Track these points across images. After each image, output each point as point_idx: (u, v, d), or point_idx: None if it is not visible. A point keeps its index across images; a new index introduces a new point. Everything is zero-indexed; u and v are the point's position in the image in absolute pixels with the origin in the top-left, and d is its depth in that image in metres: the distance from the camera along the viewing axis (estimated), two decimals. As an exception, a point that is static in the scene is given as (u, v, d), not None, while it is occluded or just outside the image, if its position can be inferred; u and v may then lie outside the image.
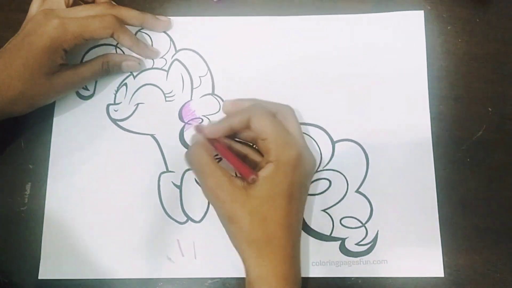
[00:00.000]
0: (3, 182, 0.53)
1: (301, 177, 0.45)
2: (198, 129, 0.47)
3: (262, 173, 0.44)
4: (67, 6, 0.52)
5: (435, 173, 0.52)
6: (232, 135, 0.48)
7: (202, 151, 0.45)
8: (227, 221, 0.44)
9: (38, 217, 0.52)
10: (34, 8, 0.53)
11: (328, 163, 0.53)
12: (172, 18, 0.56)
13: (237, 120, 0.46)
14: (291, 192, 0.44)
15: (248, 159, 0.49)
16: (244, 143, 0.50)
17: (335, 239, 0.51)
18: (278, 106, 0.48)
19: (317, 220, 0.51)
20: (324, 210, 0.51)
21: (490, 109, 0.54)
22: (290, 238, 0.44)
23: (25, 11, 0.53)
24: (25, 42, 0.48)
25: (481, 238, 0.51)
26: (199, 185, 0.52)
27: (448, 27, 0.56)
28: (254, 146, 0.50)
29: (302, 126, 0.53)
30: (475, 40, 0.55)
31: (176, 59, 0.55)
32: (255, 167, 0.47)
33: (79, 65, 0.52)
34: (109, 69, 0.53)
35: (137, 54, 0.55)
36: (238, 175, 0.48)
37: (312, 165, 0.47)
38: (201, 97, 0.55)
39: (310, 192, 0.51)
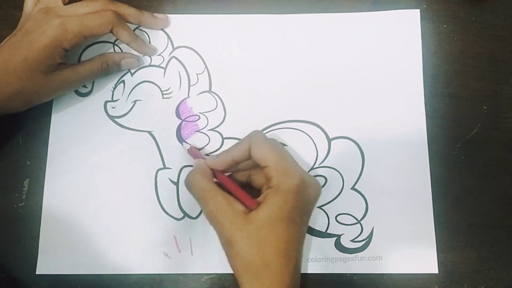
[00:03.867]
0: (1, 179, 0.54)
1: (303, 203, 0.45)
2: (194, 154, 0.50)
3: (263, 200, 0.44)
4: (64, 3, 0.52)
5: (430, 171, 0.52)
6: (234, 166, 0.48)
7: (202, 176, 0.46)
8: (226, 244, 0.43)
9: (35, 213, 0.52)
10: (29, 5, 0.53)
11: (324, 160, 0.53)
12: (169, 15, 0.56)
13: (238, 152, 0.46)
14: (291, 218, 0.43)
15: (249, 186, 0.49)
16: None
17: (330, 235, 0.51)
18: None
19: (312, 217, 0.50)
20: (319, 207, 0.52)
21: (485, 107, 0.54)
22: (288, 264, 0.43)
23: (22, 8, 0.53)
24: (24, 40, 0.48)
25: (476, 235, 0.51)
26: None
27: (444, 26, 0.56)
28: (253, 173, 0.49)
29: (299, 123, 0.54)
30: (471, 38, 0.56)
31: (174, 57, 0.56)
32: (257, 195, 0.47)
33: (78, 64, 0.52)
34: (108, 69, 0.54)
35: (135, 50, 0.55)
36: None
37: (316, 191, 0.46)
38: (198, 94, 0.55)
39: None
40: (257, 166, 0.46)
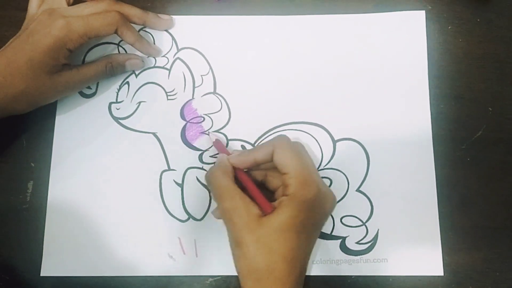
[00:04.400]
0: (5, 180, 0.53)
1: (316, 216, 0.45)
2: (219, 147, 0.50)
3: (278, 205, 0.43)
4: (68, 4, 0.52)
5: (435, 172, 0.52)
6: (255, 166, 0.48)
7: (222, 173, 0.46)
8: (234, 244, 0.44)
9: (40, 215, 0.52)
10: (33, 6, 0.53)
11: (329, 162, 0.53)
12: (174, 17, 0.56)
13: (261, 154, 0.46)
14: (302, 229, 0.43)
15: (266, 186, 0.49)
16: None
17: (335, 237, 0.51)
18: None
19: (318, 219, 0.51)
20: (324, 209, 0.52)
21: (490, 108, 0.54)
22: (292, 273, 0.43)
23: (25, 9, 0.53)
24: (29, 41, 0.48)
25: (481, 236, 0.51)
26: (201, 184, 0.52)
27: (449, 27, 0.56)
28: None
29: (304, 125, 0.54)
30: (476, 40, 0.56)
31: (178, 58, 0.56)
32: (271, 196, 0.48)
33: (82, 65, 0.52)
34: (113, 70, 0.53)
35: (139, 51, 0.55)
36: None
37: (330, 205, 0.46)
38: (203, 95, 0.55)
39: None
40: (275, 168, 0.46)
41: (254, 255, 0.42)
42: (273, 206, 0.44)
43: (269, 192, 0.48)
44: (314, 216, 0.44)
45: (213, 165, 0.51)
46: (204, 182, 0.52)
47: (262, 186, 0.49)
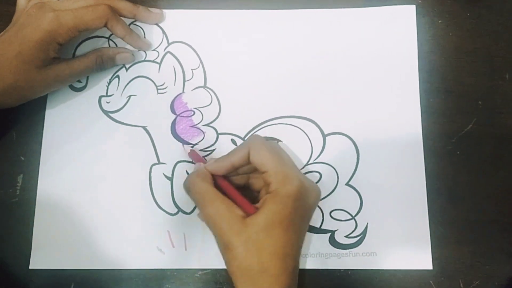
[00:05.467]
0: (-5, 174, 0.54)
1: (301, 209, 0.44)
2: (195, 157, 0.50)
3: (261, 205, 0.43)
4: None
5: (425, 166, 0.52)
6: (233, 170, 0.48)
7: (201, 180, 0.45)
8: (223, 248, 0.43)
9: (29, 208, 0.52)
10: (22, 1, 0.53)
11: (318, 156, 0.53)
12: (164, 10, 0.56)
13: (237, 157, 0.46)
14: (289, 223, 0.43)
15: (247, 190, 0.49)
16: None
17: (324, 231, 0.51)
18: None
19: (307, 213, 0.51)
20: (314, 203, 0.52)
21: (480, 102, 0.54)
22: (285, 269, 0.43)
23: (15, 4, 0.53)
24: (18, 35, 0.48)
25: (470, 230, 0.51)
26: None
27: (439, 21, 0.56)
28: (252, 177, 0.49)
29: (294, 119, 0.54)
30: (466, 34, 0.56)
31: (169, 52, 0.56)
32: (255, 197, 0.48)
33: (72, 59, 0.52)
34: (103, 64, 0.53)
35: (129, 44, 0.55)
36: None
37: (315, 197, 0.46)
38: (193, 89, 0.55)
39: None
40: (256, 169, 0.46)
41: (245, 256, 0.42)
42: (255, 207, 0.44)
43: (253, 195, 0.48)
44: (299, 210, 0.44)
45: (190, 173, 0.50)
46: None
47: (247, 189, 0.49)
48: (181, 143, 0.53)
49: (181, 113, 0.54)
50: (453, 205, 0.52)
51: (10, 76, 0.48)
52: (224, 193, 0.45)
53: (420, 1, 0.56)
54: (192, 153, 0.52)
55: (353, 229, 0.51)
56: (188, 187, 0.46)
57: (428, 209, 0.51)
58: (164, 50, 0.56)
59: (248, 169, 0.48)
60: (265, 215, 0.42)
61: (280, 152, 0.47)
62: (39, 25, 0.48)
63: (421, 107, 0.54)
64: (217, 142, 0.53)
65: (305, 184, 0.45)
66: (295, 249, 0.44)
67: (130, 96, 0.55)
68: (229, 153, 0.47)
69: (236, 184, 0.48)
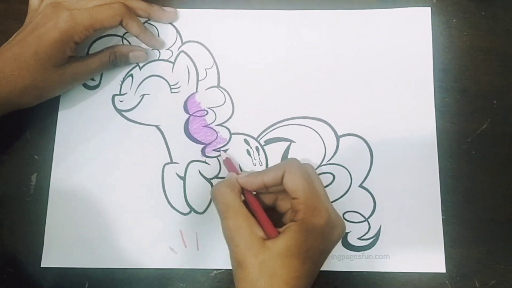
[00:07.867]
0: (9, 173, 0.53)
1: (323, 243, 0.43)
2: (229, 166, 0.50)
3: (284, 230, 0.42)
4: None
5: (440, 166, 0.52)
6: (264, 188, 0.46)
7: (230, 190, 0.44)
8: (236, 264, 0.42)
9: (43, 207, 0.52)
10: (35, 0, 0.53)
11: (332, 157, 0.53)
12: (178, 10, 0.56)
13: (271, 177, 0.45)
14: (308, 256, 0.42)
15: (276, 209, 0.48)
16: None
17: (338, 232, 0.51)
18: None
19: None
20: (327, 204, 0.51)
21: (495, 101, 0.54)
22: None
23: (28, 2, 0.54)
24: (34, 35, 0.48)
25: (485, 230, 0.51)
26: (203, 177, 0.52)
27: (454, 21, 0.56)
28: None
29: (307, 120, 0.53)
30: (480, 33, 0.55)
31: (182, 51, 0.56)
32: (279, 218, 0.47)
33: (87, 57, 0.52)
34: (116, 61, 0.54)
35: (144, 43, 0.55)
36: None
37: (339, 233, 0.44)
38: (207, 89, 0.55)
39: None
40: (285, 191, 0.45)
41: (256, 279, 0.41)
42: (278, 231, 0.43)
43: (278, 215, 0.47)
44: (321, 244, 0.43)
45: (220, 180, 0.50)
46: (207, 176, 0.52)
47: (272, 208, 0.48)
48: (222, 151, 0.53)
49: (194, 112, 0.54)
50: (468, 204, 0.51)
51: (28, 76, 0.48)
52: (249, 208, 0.44)
53: (435, 1, 0.56)
54: (227, 161, 0.51)
55: (366, 231, 0.51)
56: (215, 195, 0.45)
57: (443, 209, 0.51)
58: (178, 49, 0.56)
59: (277, 189, 0.46)
60: (285, 243, 0.41)
61: (314, 179, 0.45)
62: (55, 25, 0.48)
63: (435, 107, 0.53)
64: (230, 142, 0.53)
65: (332, 219, 0.43)
66: (307, 282, 0.43)
67: (143, 95, 0.55)
68: (263, 170, 0.46)
69: (262, 202, 0.47)
